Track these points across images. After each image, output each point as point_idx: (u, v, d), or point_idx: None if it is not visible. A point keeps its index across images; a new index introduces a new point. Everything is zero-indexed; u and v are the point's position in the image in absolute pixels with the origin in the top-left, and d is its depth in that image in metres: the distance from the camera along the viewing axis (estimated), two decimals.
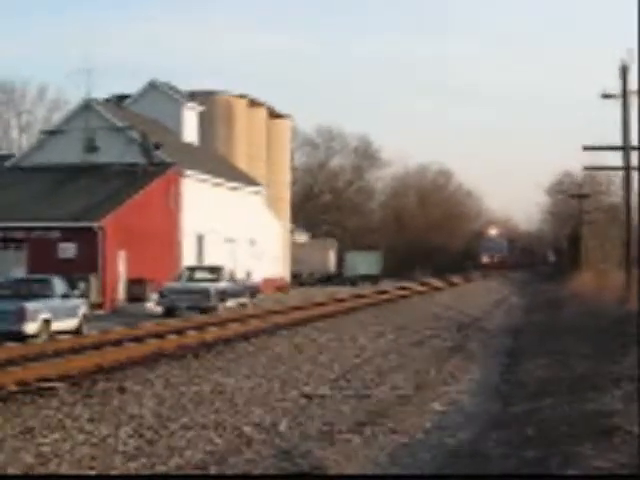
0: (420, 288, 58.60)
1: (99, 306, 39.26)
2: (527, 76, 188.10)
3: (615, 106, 38.39)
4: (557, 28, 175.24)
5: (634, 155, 38.44)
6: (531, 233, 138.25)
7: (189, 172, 49.59)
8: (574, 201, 77.91)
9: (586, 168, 54.18)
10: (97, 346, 22.98)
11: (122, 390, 16.68)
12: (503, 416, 15.17)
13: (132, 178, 46.30)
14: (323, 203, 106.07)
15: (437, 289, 61.53)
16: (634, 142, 38.00)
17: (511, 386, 18.78)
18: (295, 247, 74.88)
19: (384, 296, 49.12)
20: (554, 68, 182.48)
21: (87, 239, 41.36)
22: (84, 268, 40.06)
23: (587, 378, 17.06)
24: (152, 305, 40.39)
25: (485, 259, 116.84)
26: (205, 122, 59.68)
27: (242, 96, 64.62)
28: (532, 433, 12.58)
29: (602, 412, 12.95)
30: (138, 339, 25.01)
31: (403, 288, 55.54)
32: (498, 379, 20.32)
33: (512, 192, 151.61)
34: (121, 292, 42.76)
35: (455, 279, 76.11)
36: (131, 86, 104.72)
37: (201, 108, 58.94)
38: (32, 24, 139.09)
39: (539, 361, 21.32)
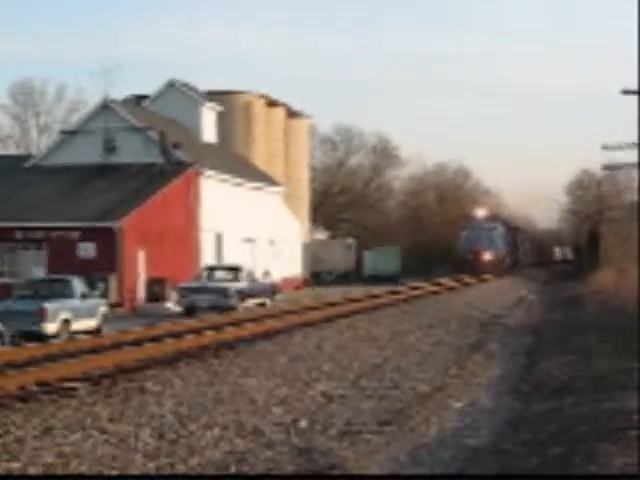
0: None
1: (118, 306, 39.29)
2: (544, 73, 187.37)
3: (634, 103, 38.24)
4: (583, 25, 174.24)
5: None
6: (553, 231, 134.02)
7: (208, 172, 49.62)
8: (593, 199, 77.60)
9: (605, 166, 54.16)
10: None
11: None
12: (525, 414, 15.14)
13: (151, 178, 46.33)
14: (342, 202, 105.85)
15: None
16: None
17: (532, 385, 18.73)
18: (314, 246, 74.80)
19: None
20: (574, 64, 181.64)
21: (106, 239, 41.40)
22: (104, 268, 40.08)
23: (607, 376, 17.02)
24: (172, 304, 40.43)
25: (468, 256, 76.76)
26: (224, 122, 59.65)
27: (261, 96, 64.61)
28: (555, 431, 12.56)
29: (623, 410, 12.91)
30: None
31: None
32: (521, 377, 20.29)
33: (532, 190, 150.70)
34: (141, 291, 42.83)
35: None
36: (148, 86, 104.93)
37: (220, 108, 58.91)
38: (50, 24, 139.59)
39: (560, 359, 21.25)
